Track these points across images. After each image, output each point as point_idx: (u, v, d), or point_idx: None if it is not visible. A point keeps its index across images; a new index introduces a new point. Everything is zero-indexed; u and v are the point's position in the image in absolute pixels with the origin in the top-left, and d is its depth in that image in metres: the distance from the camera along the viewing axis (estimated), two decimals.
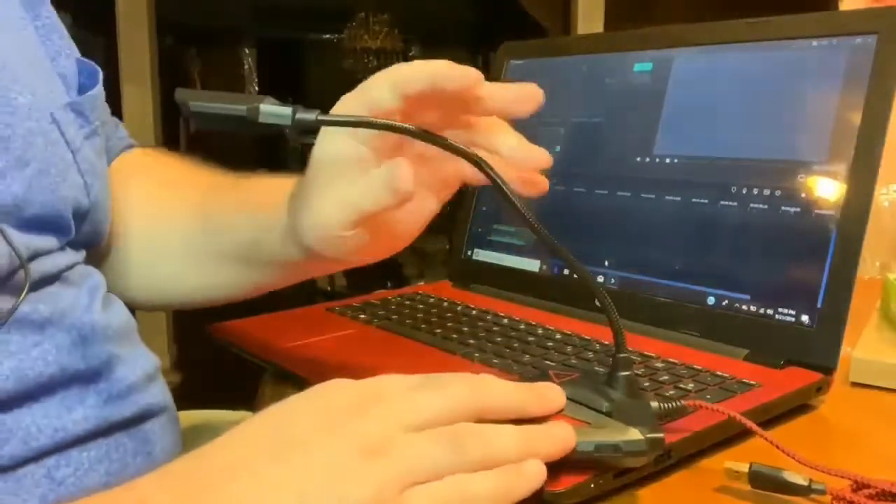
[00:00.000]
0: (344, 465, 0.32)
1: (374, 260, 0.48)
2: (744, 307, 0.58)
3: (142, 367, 0.50)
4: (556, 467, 0.37)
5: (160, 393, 0.51)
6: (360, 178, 0.42)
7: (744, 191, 0.59)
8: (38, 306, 0.43)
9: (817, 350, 0.53)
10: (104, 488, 0.42)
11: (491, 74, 0.83)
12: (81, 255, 0.50)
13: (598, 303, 0.42)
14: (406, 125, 0.42)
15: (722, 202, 0.60)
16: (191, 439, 0.51)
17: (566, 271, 0.71)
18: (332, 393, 0.36)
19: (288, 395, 0.37)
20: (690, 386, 0.50)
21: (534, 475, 0.34)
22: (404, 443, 0.33)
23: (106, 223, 0.52)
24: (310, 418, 0.35)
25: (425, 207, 0.46)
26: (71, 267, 0.48)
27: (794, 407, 0.51)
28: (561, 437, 0.36)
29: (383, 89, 0.41)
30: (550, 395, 0.39)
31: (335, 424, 0.34)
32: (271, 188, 0.50)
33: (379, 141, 0.42)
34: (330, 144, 0.43)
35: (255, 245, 0.51)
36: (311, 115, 0.42)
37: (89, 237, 0.50)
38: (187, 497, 0.32)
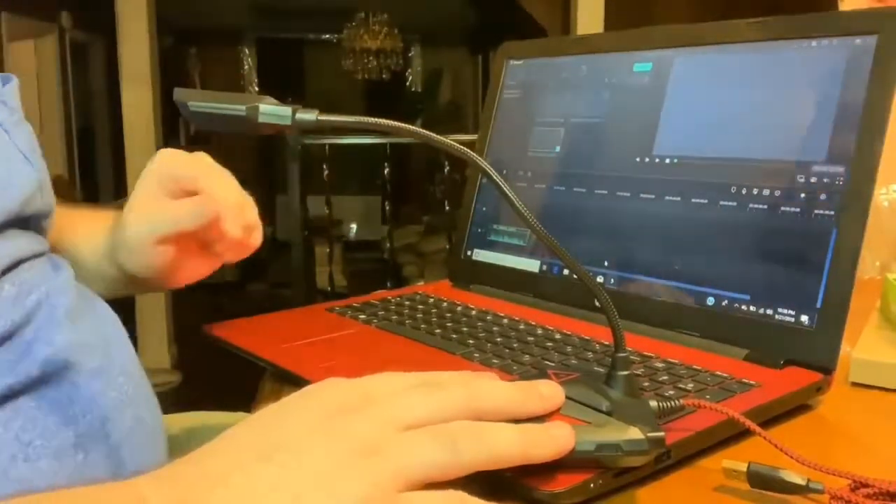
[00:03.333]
0: (338, 465, 0.32)
1: (169, 284, 0.61)
2: (744, 307, 0.58)
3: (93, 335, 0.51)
4: (556, 467, 0.37)
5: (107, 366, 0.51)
6: (170, 206, 0.56)
7: (744, 191, 0.59)
8: (4, 286, 0.45)
9: (817, 350, 0.53)
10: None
11: (491, 74, 0.83)
12: (45, 243, 0.52)
13: (597, 303, 0.42)
14: (407, 125, 0.42)
15: (722, 202, 0.60)
16: (188, 441, 0.51)
17: (566, 271, 0.71)
18: (325, 393, 0.36)
19: (287, 395, 0.37)
20: (690, 386, 0.50)
21: None
22: (399, 441, 0.33)
23: (52, 200, 0.54)
24: (303, 419, 0.35)
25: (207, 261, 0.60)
26: (38, 255, 0.50)
27: (794, 407, 0.51)
28: (560, 437, 0.36)
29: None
30: (549, 392, 0.38)
31: (328, 424, 0.34)
32: (95, 218, 0.64)
33: (175, 187, 0.56)
34: (145, 187, 0.57)
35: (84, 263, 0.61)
36: (310, 115, 0.42)
37: (41, 212, 0.52)
38: (182, 501, 0.32)
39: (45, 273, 0.49)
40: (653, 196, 0.65)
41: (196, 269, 0.60)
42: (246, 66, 6.46)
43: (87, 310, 0.52)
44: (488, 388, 0.37)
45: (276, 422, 0.35)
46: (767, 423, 0.47)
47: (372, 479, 0.32)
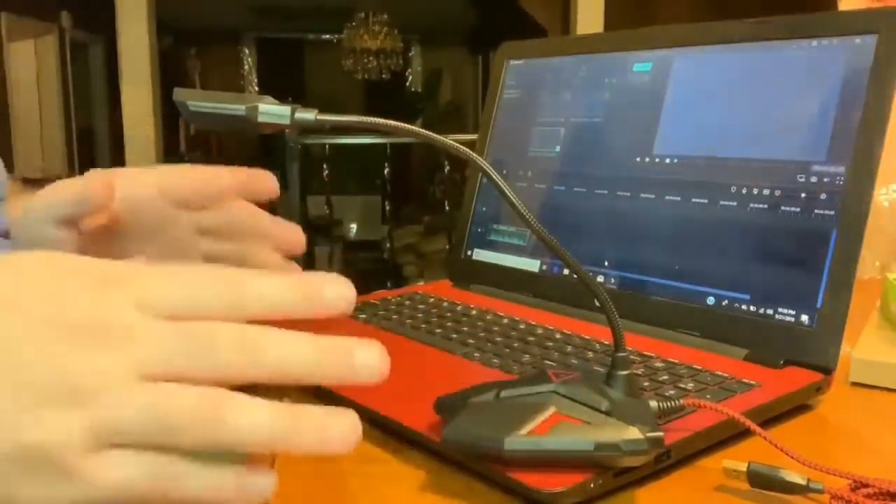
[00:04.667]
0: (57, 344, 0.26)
1: None
2: (744, 307, 0.58)
3: None
4: (556, 468, 0.37)
5: None
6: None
7: (744, 191, 0.59)
8: None
9: (817, 350, 0.53)
10: None
11: (491, 74, 0.83)
12: None
13: (597, 303, 0.42)
14: (407, 125, 0.42)
15: (722, 202, 0.60)
16: None
17: (566, 271, 0.71)
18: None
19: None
20: (690, 386, 0.50)
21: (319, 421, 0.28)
22: (139, 328, 0.27)
23: None
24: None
25: None
26: None
27: (794, 407, 0.51)
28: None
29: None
30: (328, 293, 0.30)
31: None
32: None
33: None
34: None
35: None
36: (309, 115, 0.42)
37: None
38: None
39: None
40: (653, 196, 0.65)
41: None
42: (246, 66, 6.46)
43: None
44: (260, 284, 0.29)
45: None
46: (767, 423, 0.47)
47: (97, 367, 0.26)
